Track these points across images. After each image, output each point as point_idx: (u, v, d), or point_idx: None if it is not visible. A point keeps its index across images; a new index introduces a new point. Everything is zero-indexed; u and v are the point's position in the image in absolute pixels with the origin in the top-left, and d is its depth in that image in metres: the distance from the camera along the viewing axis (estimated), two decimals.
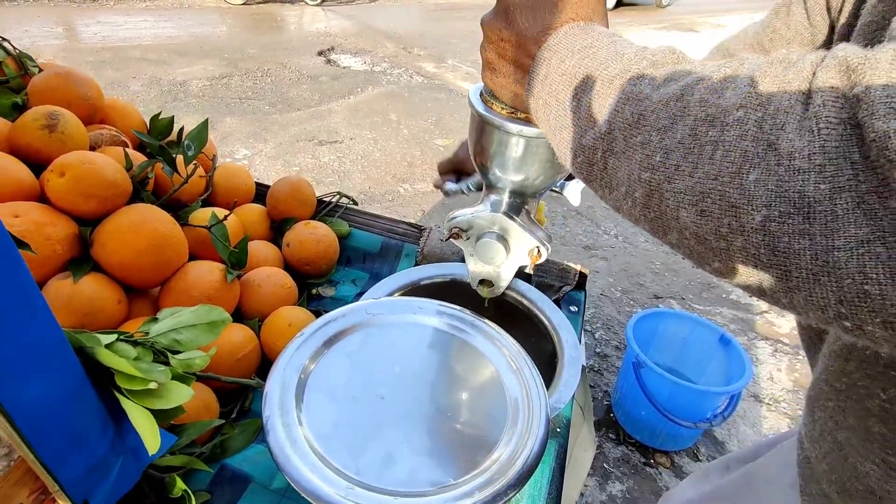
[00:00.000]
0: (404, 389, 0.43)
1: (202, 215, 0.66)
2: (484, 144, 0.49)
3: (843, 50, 0.22)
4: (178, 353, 0.39)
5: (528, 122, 0.46)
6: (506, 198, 0.52)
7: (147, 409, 0.36)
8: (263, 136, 3.68)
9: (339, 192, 0.81)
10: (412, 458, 0.38)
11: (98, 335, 0.37)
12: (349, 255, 0.78)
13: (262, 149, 3.50)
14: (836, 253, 0.21)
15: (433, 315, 0.50)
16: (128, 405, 0.35)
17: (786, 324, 2.19)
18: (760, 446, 0.61)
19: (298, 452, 0.38)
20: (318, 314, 0.67)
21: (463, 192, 0.63)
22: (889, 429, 0.34)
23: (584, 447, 0.83)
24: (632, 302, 2.28)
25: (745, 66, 0.25)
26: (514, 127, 0.46)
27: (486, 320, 0.49)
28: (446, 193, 0.63)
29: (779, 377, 1.95)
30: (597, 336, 2.07)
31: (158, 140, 0.69)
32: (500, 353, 0.47)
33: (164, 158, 0.62)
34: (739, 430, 1.74)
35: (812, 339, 0.45)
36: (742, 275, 0.25)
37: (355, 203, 0.82)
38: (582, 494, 1.46)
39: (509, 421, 0.41)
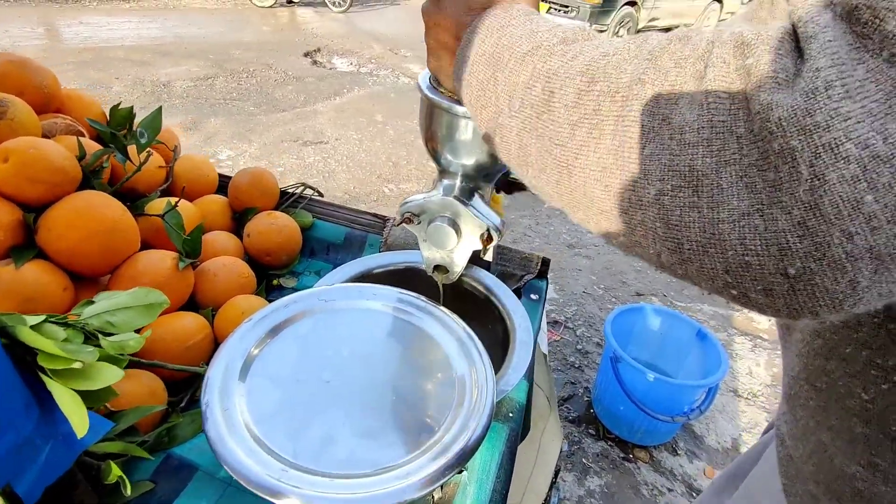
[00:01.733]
0: (351, 372, 0.42)
1: (158, 205, 0.65)
2: (433, 129, 0.49)
3: (741, 27, 0.23)
4: (111, 335, 0.38)
5: None
6: (458, 182, 0.52)
7: (74, 390, 0.35)
8: (248, 136, 3.66)
9: (302, 183, 0.80)
10: (353, 439, 0.38)
11: (26, 317, 0.36)
12: (313, 246, 0.77)
13: (247, 150, 3.48)
14: (720, 225, 0.21)
15: (386, 301, 0.49)
16: (53, 385, 0.34)
17: (764, 320, 2.22)
18: (750, 455, 0.61)
19: (235, 437, 0.37)
20: None
21: None
22: (872, 429, 0.34)
23: (551, 438, 0.83)
24: (614, 299, 2.29)
25: (649, 43, 0.25)
26: (460, 109, 0.46)
27: (439, 306, 0.49)
28: None
29: (757, 372, 1.97)
30: (578, 333, 2.08)
31: (117, 130, 0.68)
32: (450, 338, 0.46)
33: (116, 146, 0.61)
34: (718, 425, 1.75)
35: (783, 330, 0.45)
36: (642, 248, 0.25)
37: (320, 194, 0.81)
38: (558, 489, 1.46)
39: (455, 402, 0.41)
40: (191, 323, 0.55)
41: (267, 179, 0.75)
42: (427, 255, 0.56)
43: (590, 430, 1.68)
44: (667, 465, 1.61)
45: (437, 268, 0.57)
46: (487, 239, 0.51)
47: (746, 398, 1.87)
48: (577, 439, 1.65)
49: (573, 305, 2.24)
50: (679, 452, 1.66)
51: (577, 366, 1.93)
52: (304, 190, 0.80)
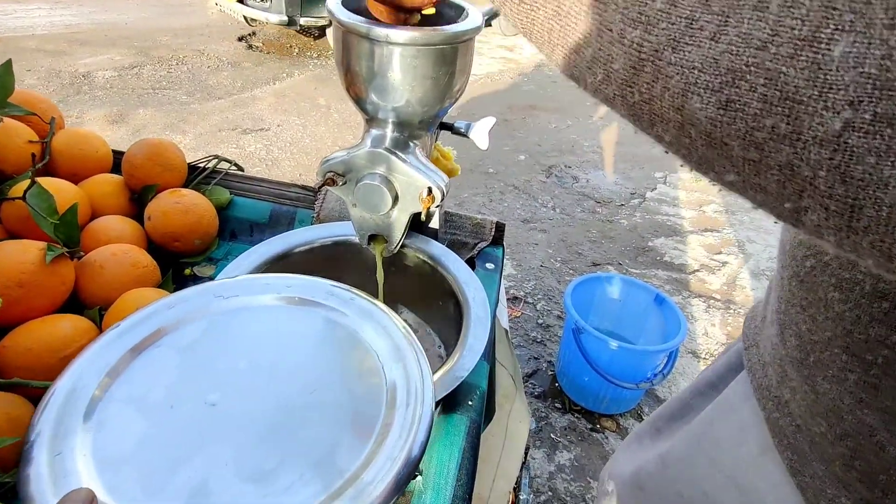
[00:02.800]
0: (246, 391, 0.32)
1: (24, 186, 0.52)
2: (352, 64, 0.40)
3: None
4: None
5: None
6: (389, 131, 0.43)
7: None
8: (181, 127, 3.41)
9: (215, 156, 0.69)
10: (238, 485, 0.27)
11: None
12: (233, 227, 0.67)
13: (181, 140, 3.23)
14: None
15: (302, 294, 0.39)
16: None
17: (716, 281, 2.26)
18: (684, 401, 0.56)
19: (63, 490, 0.26)
20: None
21: None
22: None
23: (518, 419, 0.77)
24: (571, 271, 2.28)
25: None
26: (382, 32, 0.37)
27: (368, 296, 0.39)
28: None
29: (713, 332, 2.00)
30: (538, 307, 2.05)
31: None
32: (380, 337, 0.36)
33: None
34: (680, 387, 1.76)
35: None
36: (770, 197, 0.17)
37: (239, 168, 0.70)
38: (528, 467, 1.42)
39: (378, 424, 0.31)
40: (68, 328, 0.44)
41: (169, 151, 0.64)
42: (359, 223, 0.47)
43: (556, 405, 1.66)
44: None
45: (373, 238, 0.48)
46: (428, 197, 0.43)
47: (705, 358, 1.90)
48: (545, 415, 1.62)
49: (531, 280, 2.21)
50: (644, 418, 1.66)
51: (539, 340, 1.89)
52: (218, 163, 0.69)
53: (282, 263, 0.50)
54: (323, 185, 0.43)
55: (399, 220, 0.46)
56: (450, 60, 0.39)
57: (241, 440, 0.29)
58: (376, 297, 0.55)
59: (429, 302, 0.52)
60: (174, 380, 0.32)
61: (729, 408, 0.44)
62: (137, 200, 0.63)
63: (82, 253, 0.52)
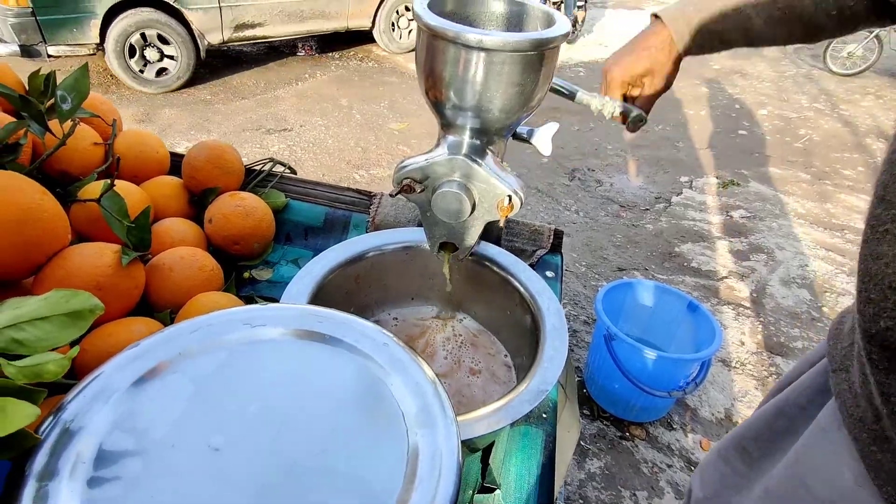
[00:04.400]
0: (252, 440, 0.29)
1: (95, 189, 0.53)
2: (435, 68, 0.40)
3: None
4: (20, 357, 0.27)
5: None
6: (466, 137, 0.43)
7: None
8: (206, 126, 3.45)
9: (271, 159, 0.69)
10: None
11: None
12: (288, 230, 0.67)
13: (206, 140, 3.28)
14: None
15: (332, 332, 0.35)
16: None
17: (745, 288, 2.22)
18: (769, 421, 0.54)
19: None
20: (250, 301, 0.56)
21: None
22: None
23: (567, 427, 0.76)
24: (597, 276, 2.25)
25: None
26: (472, 37, 0.36)
27: (404, 345, 0.35)
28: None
29: (744, 340, 1.97)
30: (565, 313, 2.03)
31: (36, 98, 0.55)
32: (411, 395, 0.32)
33: (30, 115, 0.49)
34: (710, 396, 1.73)
35: None
36: None
37: (292, 171, 0.70)
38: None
39: (400, 489, 0.27)
40: (142, 331, 0.44)
41: (228, 154, 0.64)
42: (431, 230, 0.46)
43: (584, 412, 1.64)
44: (664, 440, 1.59)
45: (444, 245, 0.48)
46: (508, 206, 0.42)
47: (735, 367, 1.87)
48: None
49: None
50: (674, 427, 1.63)
51: None
52: (273, 166, 0.69)
53: (351, 267, 0.50)
54: (400, 192, 0.43)
55: (474, 227, 0.45)
56: (537, 67, 0.39)
57: (240, 494, 0.26)
58: (444, 304, 0.54)
59: (495, 310, 0.51)
60: (181, 414, 0.30)
61: (822, 435, 0.42)
62: (197, 202, 0.63)
63: (150, 255, 0.52)
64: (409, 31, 4.71)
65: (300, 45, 4.93)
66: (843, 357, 0.42)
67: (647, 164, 3.25)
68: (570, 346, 1.66)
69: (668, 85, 0.53)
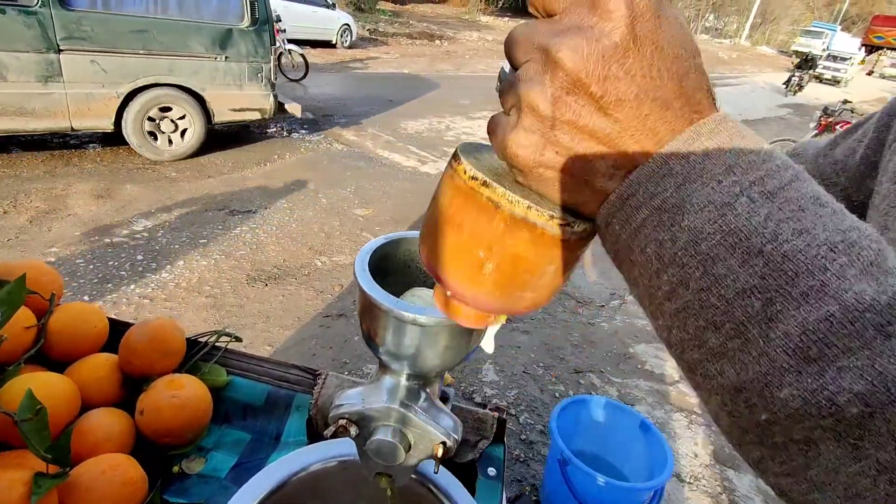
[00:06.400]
0: None
1: (19, 385, 0.51)
2: (373, 325, 0.41)
3: None
4: None
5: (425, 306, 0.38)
6: (403, 380, 0.44)
7: None
8: (168, 205, 3.40)
9: (216, 331, 0.68)
10: None
11: None
12: (227, 409, 0.65)
13: (167, 219, 3.22)
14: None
15: None
16: None
17: (696, 395, 2.27)
18: None
19: None
20: None
21: None
22: None
23: None
24: (554, 380, 2.26)
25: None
26: (408, 315, 0.38)
27: None
28: None
29: (697, 452, 1.98)
30: (521, 420, 2.01)
31: None
32: None
33: None
34: None
35: None
36: None
37: (238, 339, 0.70)
38: None
39: None
40: None
41: (170, 334, 0.63)
42: (367, 464, 0.46)
43: None
44: None
45: (380, 474, 0.47)
46: (443, 452, 0.43)
47: (689, 482, 1.86)
48: None
49: (514, 388, 2.18)
50: None
51: (522, 460, 1.84)
52: (218, 338, 0.69)
53: (278, 496, 0.48)
54: (335, 433, 0.43)
55: (409, 465, 0.45)
56: (471, 331, 0.41)
57: None
58: None
59: None
60: None
61: None
62: (131, 385, 0.61)
63: (68, 471, 0.49)
64: (182, 132, 4.02)
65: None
66: None
67: (602, 258, 3.39)
68: (525, 460, 1.61)
69: None
